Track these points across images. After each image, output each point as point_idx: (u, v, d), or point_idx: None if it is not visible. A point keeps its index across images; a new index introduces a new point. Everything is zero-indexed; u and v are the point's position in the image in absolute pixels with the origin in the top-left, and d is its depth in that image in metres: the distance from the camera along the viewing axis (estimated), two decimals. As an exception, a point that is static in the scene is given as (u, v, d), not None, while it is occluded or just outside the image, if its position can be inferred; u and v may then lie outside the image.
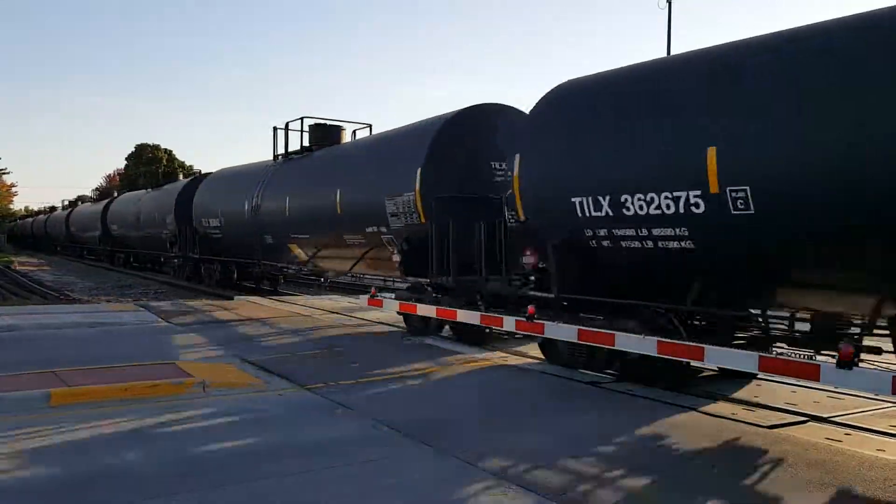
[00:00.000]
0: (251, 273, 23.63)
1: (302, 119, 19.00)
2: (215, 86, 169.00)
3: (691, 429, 7.07)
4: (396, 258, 13.64)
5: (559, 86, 10.37)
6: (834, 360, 6.39)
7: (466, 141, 13.03)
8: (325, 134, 18.53)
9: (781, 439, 6.77)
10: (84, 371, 9.13)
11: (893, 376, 6.03)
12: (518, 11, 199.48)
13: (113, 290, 25.82)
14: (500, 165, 13.13)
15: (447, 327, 12.86)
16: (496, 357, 11.10)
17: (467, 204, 12.19)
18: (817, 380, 6.60)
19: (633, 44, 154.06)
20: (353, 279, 20.20)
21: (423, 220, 12.84)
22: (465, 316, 11.27)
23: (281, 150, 19.83)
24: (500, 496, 5.21)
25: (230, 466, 5.90)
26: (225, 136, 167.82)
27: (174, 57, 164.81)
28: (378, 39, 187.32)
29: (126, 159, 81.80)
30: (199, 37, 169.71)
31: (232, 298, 20.71)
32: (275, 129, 19.76)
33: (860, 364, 6.32)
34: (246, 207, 20.60)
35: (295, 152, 19.27)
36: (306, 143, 18.90)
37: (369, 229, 14.65)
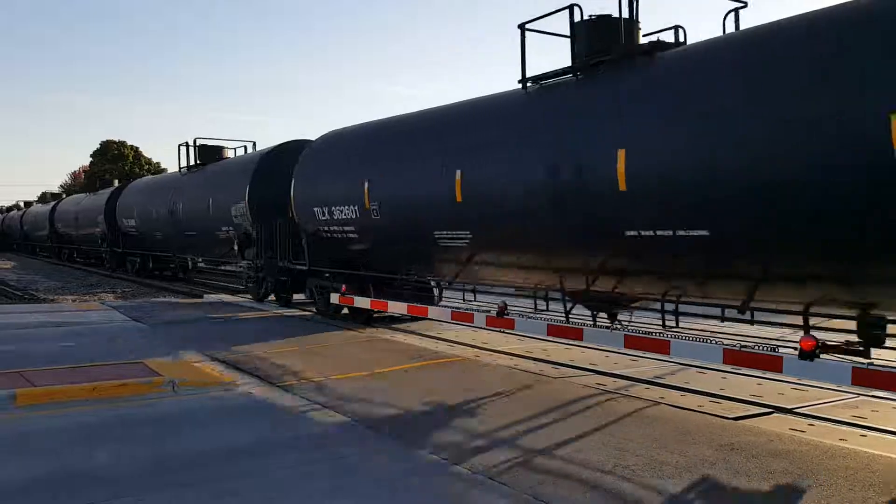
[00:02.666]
0: (165, 264, 27.96)
1: (195, 139, 23.36)
2: (184, 82, 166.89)
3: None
4: (235, 248, 18.72)
5: (322, 135, 15.81)
6: (796, 353, 6.53)
7: (281, 165, 17.13)
8: (212, 152, 23.00)
9: (746, 430, 6.92)
10: (51, 371, 9.01)
11: (853, 367, 6.19)
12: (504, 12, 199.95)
13: (78, 289, 25.43)
14: None
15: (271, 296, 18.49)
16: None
17: (274, 210, 16.65)
18: (780, 371, 6.76)
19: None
20: (237, 268, 23.59)
21: (251, 220, 17.80)
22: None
23: (184, 164, 23.64)
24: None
25: (200, 465, 5.88)
26: (193, 134, 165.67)
27: (142, 52, 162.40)
28: (355, 36, 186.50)
29: (91, 156, 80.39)
30: (168, 31, 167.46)
31: (201, 297, 20.63)
32: (179, 146, 23.61)
33: (821, 356, 6.47)
34: (154, 210, 25.10)
35: (191, 167, 23.16)
36: (199, 159, 22.98)
37: (223, 227, 19.41)
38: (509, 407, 7.79)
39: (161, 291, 23.25)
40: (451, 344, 12.40)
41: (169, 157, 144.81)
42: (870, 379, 6.10)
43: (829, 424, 7.27)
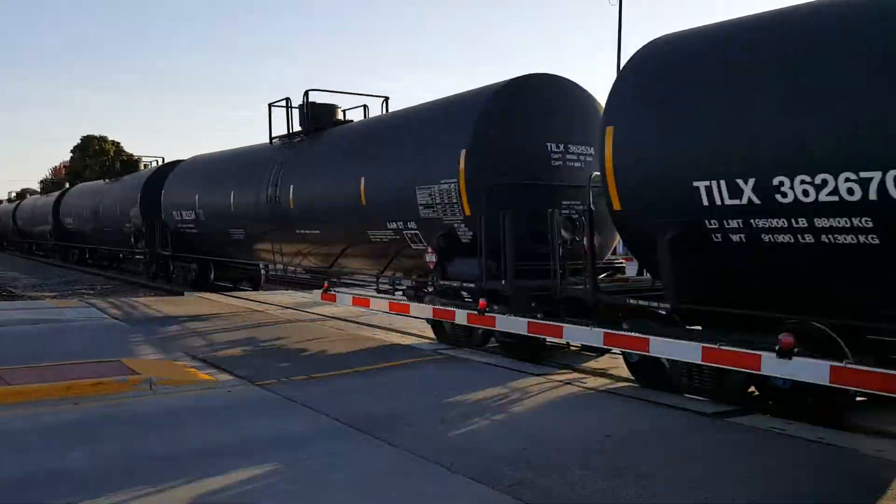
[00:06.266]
0: (234, 272, 21.85)
1: (306, 93, 15.61)
2: (168, 73, 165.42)
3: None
4: (432, 258, 11.21)
5: (660, 40, 8.13)
6: (775, 350, 6.56)
7: (517, 118, 10.80)
8: (327, 113, 15.85)
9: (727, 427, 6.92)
10: (25, 370, 8.88)
11: (830, 365, 6.23)
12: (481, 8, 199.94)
13: (58, 286, 25.15)
14: (558, 147, 11.01)
15: (493, 339, 10.87)
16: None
17: (527, 193, 10.19)
18: (758, 369, 6.77)
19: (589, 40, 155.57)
20: (372, 280, 14.71)
21: (467, 212, 10.69)
22: (418, 310, 11.34)
23: (277, 132, 16.83)
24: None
25: (176, 464, 5.80)
26: (181, 127, 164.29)
27: (121, 43, 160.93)
28: (344, 19, 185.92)
29: (72, 151, 79.67)
30: (148, 21, 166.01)
31: (182, 294, 20.41)
32: (269, 105, 16.57)
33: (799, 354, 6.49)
34: (231, 199, 17.89)
35: (296, 134, 16.30)
36: (305, 122, 15.97)
37: (392, 224, 12.36)
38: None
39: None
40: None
41: (150, 152, 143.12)
42: (847, 377, 6.12)
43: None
